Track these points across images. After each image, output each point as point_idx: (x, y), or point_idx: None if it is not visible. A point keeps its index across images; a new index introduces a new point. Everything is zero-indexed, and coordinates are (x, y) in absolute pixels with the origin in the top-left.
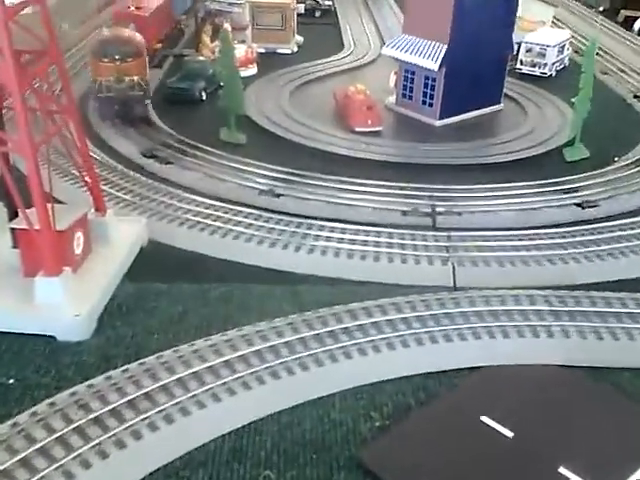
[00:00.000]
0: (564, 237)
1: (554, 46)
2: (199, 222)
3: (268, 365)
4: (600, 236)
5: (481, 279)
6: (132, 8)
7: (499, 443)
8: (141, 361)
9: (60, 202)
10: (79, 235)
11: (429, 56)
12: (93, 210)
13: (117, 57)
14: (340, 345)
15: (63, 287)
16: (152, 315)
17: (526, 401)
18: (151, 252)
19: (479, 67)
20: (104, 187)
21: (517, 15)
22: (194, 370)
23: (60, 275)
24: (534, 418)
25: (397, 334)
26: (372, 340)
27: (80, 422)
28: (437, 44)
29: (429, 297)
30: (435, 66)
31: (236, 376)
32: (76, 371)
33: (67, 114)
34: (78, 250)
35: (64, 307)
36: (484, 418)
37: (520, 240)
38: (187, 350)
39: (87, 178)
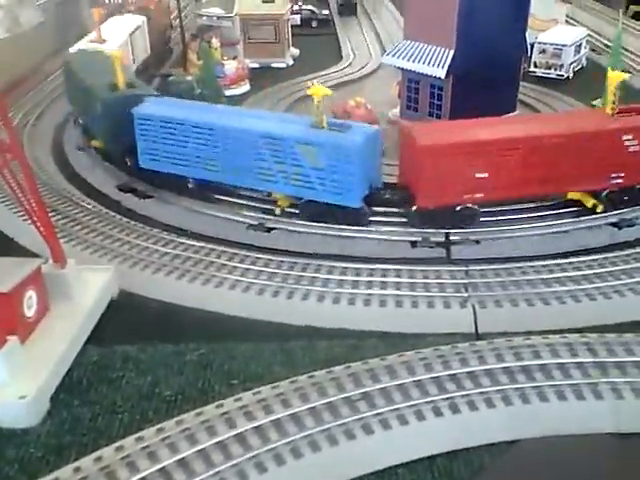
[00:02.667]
0: (602, 265)
1: (570, 45)
2: (177, 268)
3: (253, 454)
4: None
5: (508, 322)
6: None
7: None
8: (97, 454)
9: (33, 252)
10: (31, 294)
11: (434, 63)
12: (50, 261)
13: None
14: (341, 422)
15: (7, 362)
16: (117, 389)
17: None
18: (121, 306)
19: (490, 72)
20: (73, 229)
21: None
22: (160, 466)
23: (3, 347)
24: None
25: (410, 403)
26: (380, 413)
27: None
28: (442, 49)
29: (446, 351)
30: (442, 73)
31: (213, 471)
32: (20, 469)
33: (11, 153)
34: (30, 312)
35: (7, 387)
36: None
37: (551, 272)
38: (153, 438)
39: (40, 225)
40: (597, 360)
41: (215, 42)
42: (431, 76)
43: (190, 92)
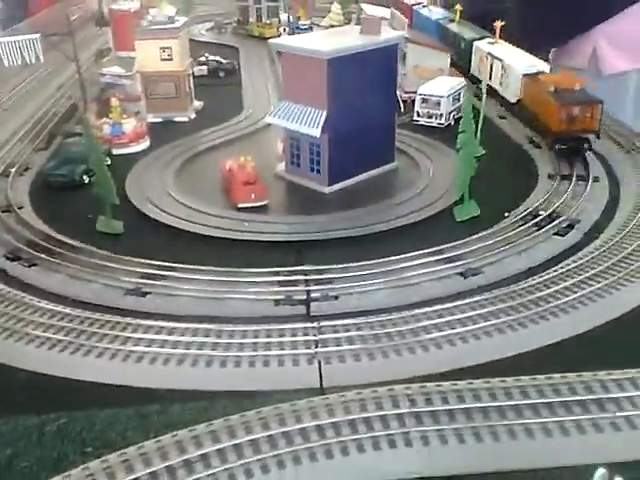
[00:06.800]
0: (441, 316)
1: (447, 96)
2: (49, 338)
3: None
4: (481, 311)
5: (352, 375)
6: None
7: None
8: None
9: None
10: None
11: (310, 123)
12: None
13: None
14: None
15: None
16: None
17: None
18: None
19: (365, 129)
20: None
21: (415, 65)
22: None
23: None
24: None
25: (242, 462)
26: (214, 474)
27: None
28: (317, 110)
29: (284, 409)
30: (317, 132)
31: None
32: None
33: None
34: None
35: None
36: None
37: (395, 325)
38: None
39: None
40: (412, 410)
41: (114, 101)
42: (308, 135)
43: (85, 152)
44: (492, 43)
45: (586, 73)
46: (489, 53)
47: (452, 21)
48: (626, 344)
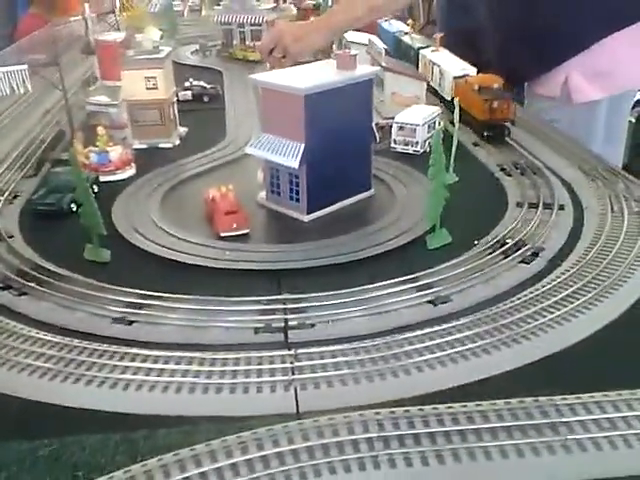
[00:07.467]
0: (411, 343)
1: (422, 124)
2: (39, 366)
3: None
4: (448, 338)
5: (326, 401)
6: None
7: None
8: None
9: None
10: None
11: (289, 154)
12: None
13: None
14: None
15: None
16: None
17: None
18: None
19: (342, 159)
20: None
21: (392, 92)
22: None
23: None
24: None
25: None
26: None
27: None
28: (295, 143)
29: (262, 434)
30: (295, 164)
31: None
32: None
33: None
34: None
35: None
36: None
37: (367, 352)
38: None
39: None
40: (380, 435)
41: (100, 129)
42: (287, 166)
43: (69, 184)
44: (434, 51)
45: (558, 101)
46: (430, 60)
47: (406, 34)
48: (581, 369)
